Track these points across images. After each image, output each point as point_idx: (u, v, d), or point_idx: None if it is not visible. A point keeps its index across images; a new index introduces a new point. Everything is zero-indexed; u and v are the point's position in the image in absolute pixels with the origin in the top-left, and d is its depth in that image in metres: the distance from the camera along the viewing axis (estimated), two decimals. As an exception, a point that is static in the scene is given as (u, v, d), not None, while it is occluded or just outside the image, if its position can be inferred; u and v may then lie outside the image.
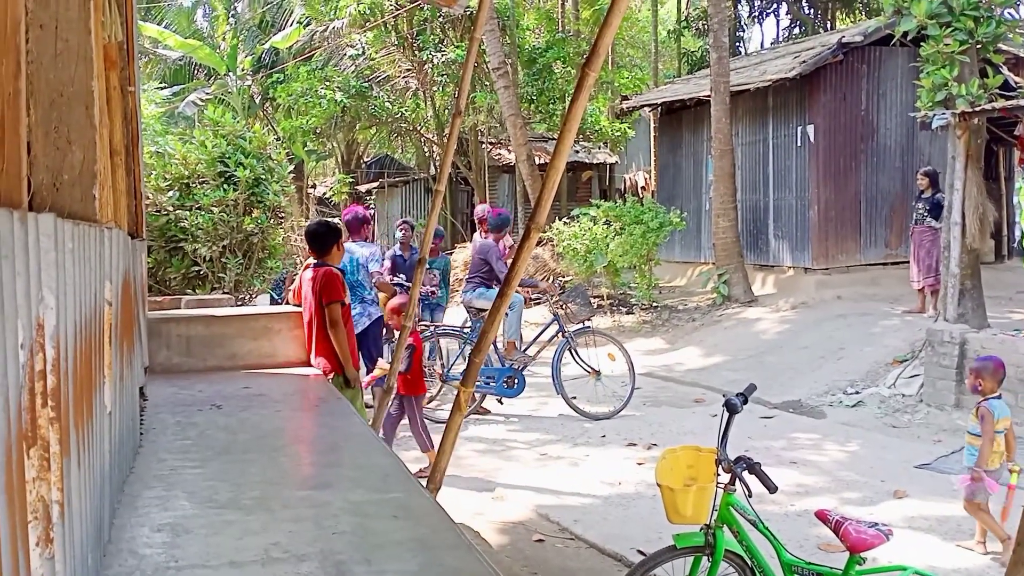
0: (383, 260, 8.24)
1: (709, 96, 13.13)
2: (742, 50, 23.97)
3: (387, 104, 19.21)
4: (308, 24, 21.32)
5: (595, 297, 13.64)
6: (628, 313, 13.27)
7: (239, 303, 8.81)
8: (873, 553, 3.73)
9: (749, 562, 3.64)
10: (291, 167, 11.78)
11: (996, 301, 10.21)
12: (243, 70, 21.82)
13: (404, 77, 20.11)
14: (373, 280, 7.81)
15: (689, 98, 15.10)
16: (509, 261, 5.70)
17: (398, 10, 18.25)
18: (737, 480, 3.55)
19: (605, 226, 13.16)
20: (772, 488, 3.46)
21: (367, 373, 7.94)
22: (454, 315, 10.96)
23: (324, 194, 25.20)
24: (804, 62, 12.53)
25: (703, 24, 22.53)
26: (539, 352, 8.57)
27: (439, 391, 8.60)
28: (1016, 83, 11.04)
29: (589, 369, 8.10)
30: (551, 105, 18.42)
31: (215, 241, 8.94)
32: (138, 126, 4.57)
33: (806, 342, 10.31)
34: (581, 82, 2.93)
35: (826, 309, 11.58)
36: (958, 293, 8.59)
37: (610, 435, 7.44)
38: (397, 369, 5.90)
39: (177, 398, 4.40)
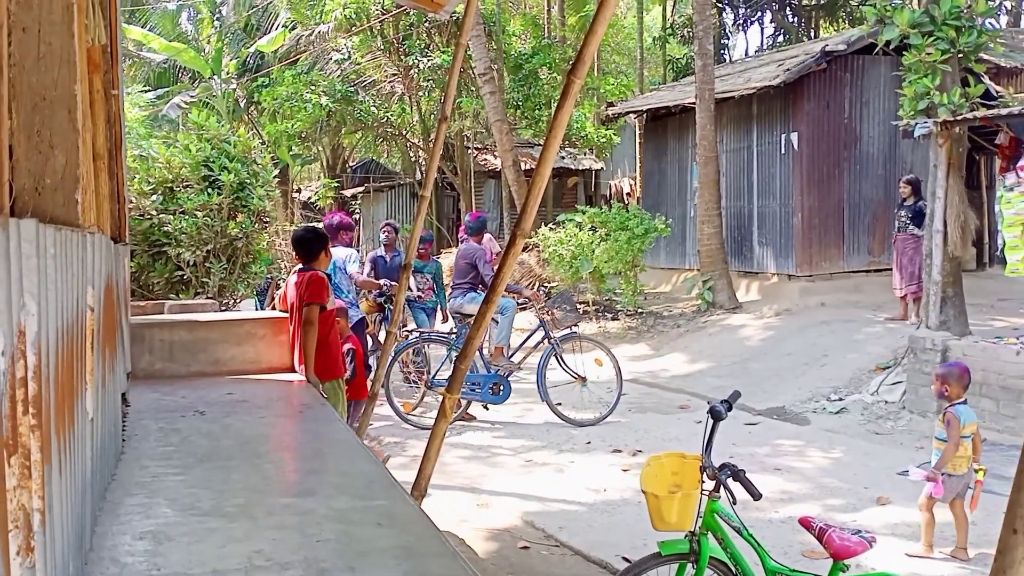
0: (363, 262, 8.25)
1: (694, 103, 13.20)
2: (727, 58, 24.11)
3: (373, 109, 19.17)
4: (293, 28, 21.30)
5: (580, 303, 13.65)
6: (613, 319, 13.29)
7: (223, 308, 8.76)
8: (857, 560, 3.75)
9: (733, 569, 3.65)
10: (276, 171, 11.72)
11: (978, 308, 10.30)
12: (228, 74, 21.75)
13: (390, 82, 20.09)
14: (353, 281, 7.84)
15: (674, 105, 15.17)
16: (495, 266, 5.70)
17: (384, 15, 18.24)
18: (722, 487, 3.55)
19: (591, 232, 13.18)
20: (756, 495, 3.47)
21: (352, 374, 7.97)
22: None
23: (309, 199, 25.14)
24: (788, 70, 12.61)
25: (688, 31, 22.64)
26: (525, 358, 8.57)
27: (422, 397, 8.58)
28: (997, 92, 11.15)
29: (575, 375, 8.10)
30: (537, 111, 18.45)
31: (199, 245, 8.88)
32: (121, 129, 4.54)
33: (790, 349, 10.36)
34: (567, 89, 2.94)
35: (810, 316, 11.65)
36: (940, 300, 8.66)
37: (595, 441, 7.44)
38: (383, 374, 5.89)
39: (160, 404, 4.37)
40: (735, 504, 3.54)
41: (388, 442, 7.67)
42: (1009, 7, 21.03)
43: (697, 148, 13.23)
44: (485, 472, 6.75)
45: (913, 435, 7.61)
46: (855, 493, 5.98)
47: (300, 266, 5.45)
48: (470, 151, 21.10)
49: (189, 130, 11.91)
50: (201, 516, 2.60)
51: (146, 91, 22.61)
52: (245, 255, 9.35)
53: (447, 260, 12.89)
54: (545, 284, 13.61)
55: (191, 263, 8.91)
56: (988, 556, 4.67)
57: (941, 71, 8.70)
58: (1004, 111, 8.34)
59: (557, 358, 8.09)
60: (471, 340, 3.44)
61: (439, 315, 9.79)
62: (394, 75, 19.69)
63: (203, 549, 2.32)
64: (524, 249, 13.42)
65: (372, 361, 8.10)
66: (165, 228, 8.84)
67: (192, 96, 21.95)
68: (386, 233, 10.04)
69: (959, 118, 8.43)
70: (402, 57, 18.75)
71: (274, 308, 7.65)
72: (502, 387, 8.03)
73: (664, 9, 25.26)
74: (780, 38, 24.55)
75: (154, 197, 8.99)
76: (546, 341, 8.22)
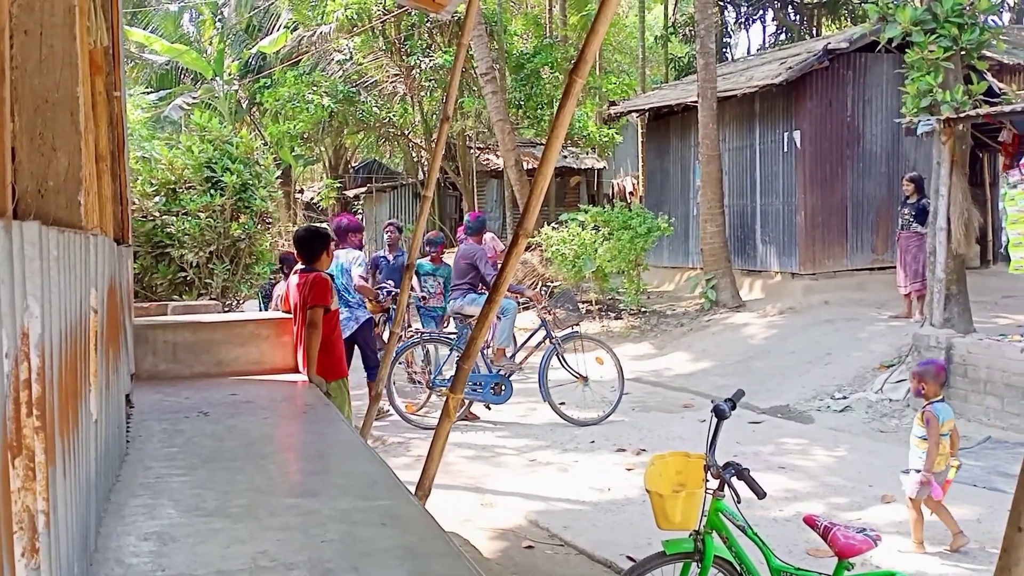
0: (367, 264, 8.26)
1: (696, 102, 13.18)
2: (729, 56, 24.10)
3: (375, 109, 19.19)
4: (295, 29, 21.32)
5: (584, 302, 13.65)
6: (616, 318, 13.29)
7: (226, 309, 8.77)
8: (861, 558, 3.74)
9: (738, 568, 3.65)
10: (278, 172, 11.74)
11: (982, 306, 10.28)
12: (230, 75, 21.77)
13: (392, 82, 20.11)
14: (355, 284, 7.82)
15: (676, 104, 15.15)
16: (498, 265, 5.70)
17: (385, 15, 18.25)
18: (726, 486, 3.55)
19: (593, 231, 13.18)
20: (761, 494, 3.47)
21: (367, 370, 8.00)
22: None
23: (312, 199, 25.17)
24: (790, 68, 12.60)
25: (690, 30, 22.63)
26: (526, 358, 8.56)
27: (427, 397, 8.58)
28: (1000, 89, 11.13)
29: (577, 375, 8.09)
30: (539, 110, 18.46)
31: (202, 247, 8.90)
32: (124, 131, 4.55)
33: (793, 347, 10.35)
34: (569, 88, 2.94)
35: (813, 314, 11.63)
36: (944, 298, 8.65)
37: (599, 441, 7.43)
38: (386, 375, 5.89)
39: (164, 405, 4.37)
40: (739, 503, 3.53)
41: (392, 442, 7.67)
42: (1012, 4, 21.00)
43: (700, 147, 13.22)
44: (489, 472, 6.75)
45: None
46: (860, 491, 5.97)
47: (301, 266, 5.45)
48: (472, 151, 21.11)
49: (191, 131, 11.94)
50: (205, 517, 2.60)
51: (148, 93, 22.66)
52: (248, 256, 9.37)
53: (448, 260, 12.89)
54: (548, 283, 13.61)
55: (194, 264, 8.93)
56: (993, 554, 4.66)
57: (944, 68, 8.69)
58: (1007, 108, 8.32)
59: (559, 358, 8.07)
60: (474, 340, 3.44)
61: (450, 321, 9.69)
62: (396, 75, 19.70)
63: (207, 550, 2.32)
64: (527, 249, 13.42)
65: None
66: (168, 229, 8.86)
67: (194, 97, 21.98)
68: (389, 233, 10.04)
69: (962, 115, 8.41)
70: (404, 57, 18.76)
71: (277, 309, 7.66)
72: (504, 387, 8.02)
73: (666, 8, 25.24)
74: (782, 36, 24.53)
75: (157, 198, 9.02)
76: (548, 341, 8.21)
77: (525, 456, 7.15)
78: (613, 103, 18.80)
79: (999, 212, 9.10)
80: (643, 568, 3.64)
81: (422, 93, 19.33)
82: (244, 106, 22.79)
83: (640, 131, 18.88)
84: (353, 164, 27.57)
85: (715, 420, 3.70)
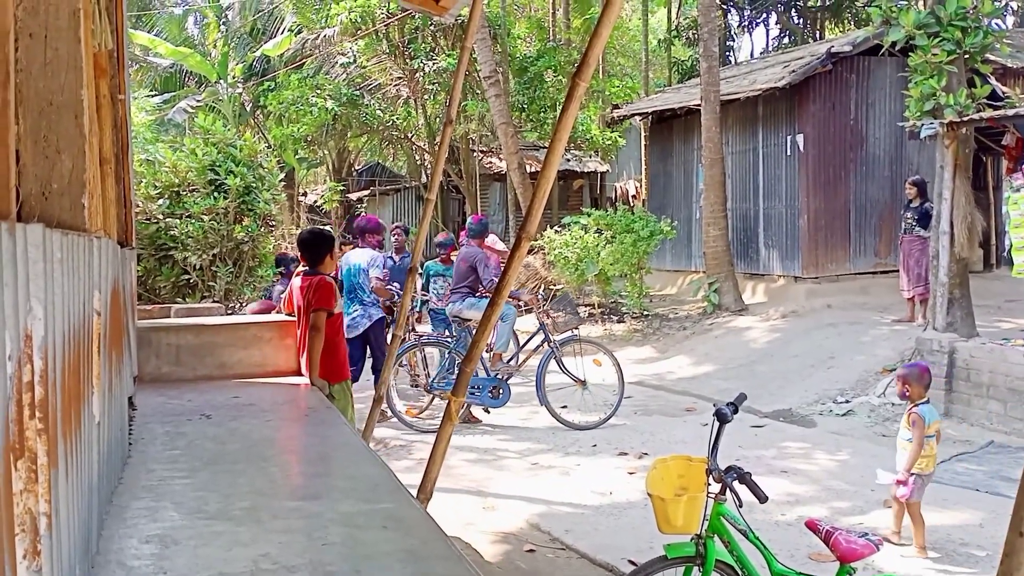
0: (383, 266, 8.35)
1: (699, 105, 13.19)
2: (732, 59, 24.09)
3: (378, 112, 19.21)
4: (299, 32, 21.33)
5: (586, 306, 13.65)
6: (619, 322, 13.28)
7: (229, 312, 8.78)
8: (864, 563, 3.73)
9: (740, 572, 3.64)
10: (282, 175, 11.75)
11: (985, 310, 10.26)
12: (234, 78, 21.80)
13: (395, 85, 20.13)
14: (372, 285, 7.95)
15: (679, 107, 15.16)
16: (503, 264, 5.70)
17: (389, 18, 18.28)
18: (728, 490, 3.54)
19: (596, 235, 13.17)
20: (762, 498, 3.46)
21: (373, 371, 8.05)
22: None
23: (315, 202, 25.15)
24: (793, 71, 12.60)
25: (693, 33, 22.65)
26: (525, 361, 8.55)
27: (431, 401, 8.55)
28: (1004, 93, 11.12)
29: (575, 379, 8.08)
30: (542, 113, 18.47)
31: (205, 249, 8.91)
32: (128, 134, 4.56)
33: (796, 351, 10.34)
34: (572, 91, 2.94)
35: (816, 318, 11.62)
36: (947, 302, 8.63)
37: (601, 444, 7.43)
38: (387, 378, 5.89)
39: (166, 408, 4.38)
40: (741, 507, 3.53)
41: (394, 445, 7.68)
42: (1015, 8, 20.96)
43: (703, 150, 13.22)
44: (491, 475, 6.75)
45: (920, 437, 7.57)
46: (862, 495, 5.96)
47: (303, 268, 5.45)
48: (475, 154, 21.12)
49: (195, 134, 11.96)
50: (207, 520, 2.61)
51: (152, 95, 22.71)
52: (251, 259, 9.39)
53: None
54: (551, 287, 13.61)
55: (197, 267, 8.94)
56: (995, 557, 4.66)
57: (947, 72, 8.68)
58: (1011, 112, 8.31)
59: (557, 362, 8.06)
60: (476, 343, 3.44)
61: None
62: (399, 78, 19.72)
63: (209, 552, 2.32)
64: (530, 252, 13.42)
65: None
66: (172, 232, 8.87)
67: (198, 100, 22.02)
68: (396, 236, 10.10)
69: (965, 119, 8.40)
70: (407, 60, 18.78)
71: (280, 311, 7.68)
72: (502, 390, 8.02)
73: (669, 11, 25.24)
74: (785, 40, 24.52)
75: (161, 201, 9.03)
76: (546, 344, 8.20)
77: (527, 459, 7.14)
78: (616, 106, 18.81)
79: (1002, 216, 9.10)
80: (645, 572, 3.64)
81: (425, 96, 19.34)
82: (248, 109, 22.82)
83: (643, 134, 18.88)
84: (356, 167, 27.58)
85: (717, 424, 3.69)
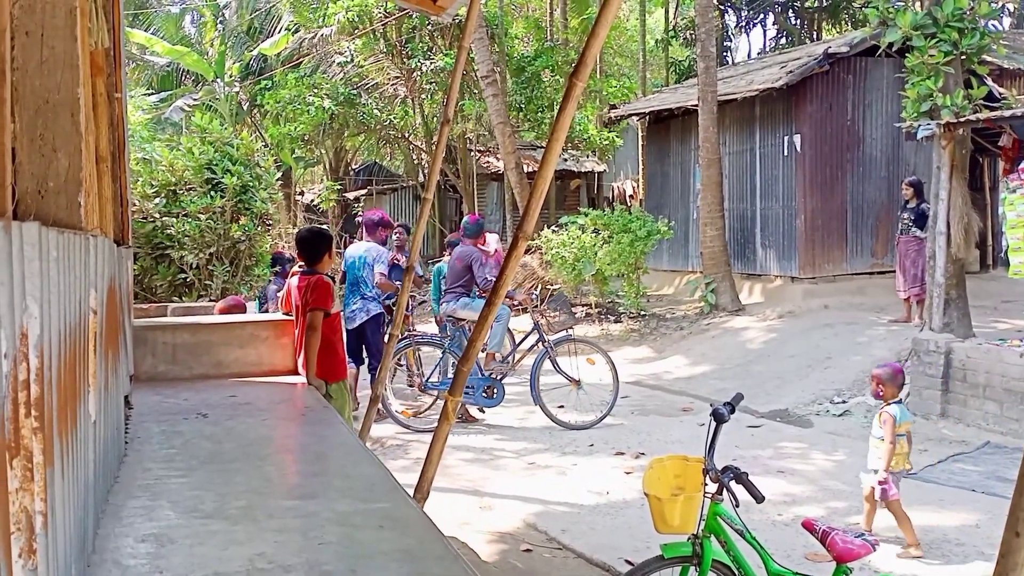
0: (388, 262, 8.44)
1: (697, 105, 13.20)
2: (729, 60, 24.11)
3: (375, 111, 19.20)
4: (296, 31, 21.32)
5: (583, 305, 13.65)
6: (616, 322, 13.29)
7: (226, 311, 8.76)
8: (860, 563, 3.74)
9: (736, 572, 3.64)
10: (279, 174, 11.74)
11: (981, 311, 10.28)
12: (231, 76, 21.77)
13: (393, 84, 20.12)
14: (376, 280, 8.01)
15: (677, 107, 15.17)
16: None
17: (387, 18, 18.27)
18: (724, 490, 3.55)
19: (593, 234, 13.18)
20: (759, 498, 3.46)
21: (369, 369, 8.08)
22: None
23: (312, 201, 25.15)
24: (791, 72, 12.61)
25: (691, 34, 22.65)
26: (520, 360, 8.55)
27: (434, 402, 8.51)
28: (1000, 94, 11.14)
29: (569, 379, 8.08)
30: (539, 113, 18.47)
31: (202, 248, 8.90)
32: (124, 132, 4.55)
33: (793, 351, 10.35)
34: (569, 92, 2.94)
35: (813, 318, 11.63)
36: (943, 303, 8.65)
37: (598, 444, 7.43)
38: (384, 377, 5.88)
39: (162, 407, 4.37)
40: (738, 507, 3.53)
41: (391, 445, 7.67)
42: (1012, 9, 21.00)
43: (700, 150, 13.23)
44: (487, 475, 6.75)
45: (916, 438, 7.56)
46: (858, 496, 5.94)
47: (301, 267, 5.44)
48: (473, 153, 21.12)
49: (192, 133, 11.95)
50: (203, 519, 2.60)
51: (149, 94, 22.66)
52: (248, 258, 9.38)
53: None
54: (548, 286, 13.61)
55: (194, 266, 8.93)
56: (991, 558, 4.67)
57: (944, 73, 8.70)
58: (1007, 113, 8.33)
59: (551, 361, 8.06)
60: (473, 343, 3.44)
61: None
62: (397, 78, 19.71)
63: (205, 552, 2.32)
64: (527, 251, 13.43)
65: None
66: (168, 231, 8.86)
67: (195, 99, 21.99)
68: (398, 235, 10.12)
69: (962, 120, 8.42)
70: (405, 60, 18.77)
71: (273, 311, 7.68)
72: (496, 390, 8.02)
73: (667, 11, 25.27)
74: (782, 40, 24.53)
75: (157, 200, 9.02)
76: (540, 344, 8.20)
77: (524, 459, 7.15)
78: (613, 106, 18.82)
79: (999, 217, 9.11)
80: (641, 572, 3.64)
81: (423, 96, 19.33)
82: (245, 108, 22.79)
83: (640, 134, 18.89)
84: (353, 166, 27.56)
85: (714, 424, 3.70)
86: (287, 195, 23.13)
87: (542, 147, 18.38)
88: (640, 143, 19.05)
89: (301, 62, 20.66)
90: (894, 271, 11.18)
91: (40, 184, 1.95)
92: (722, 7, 23.47)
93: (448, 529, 5.14)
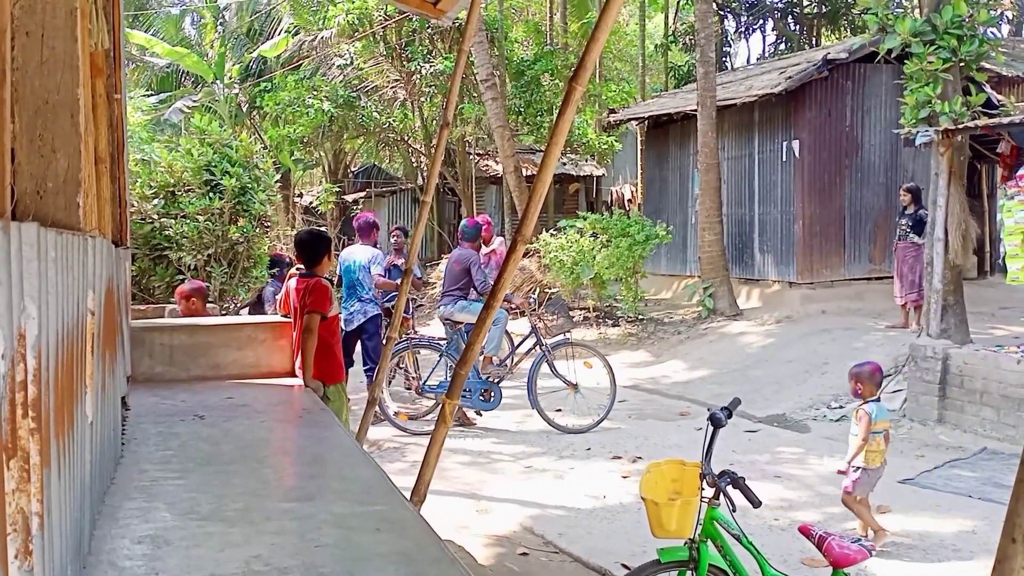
0: (384, 265, 8.53)
1: (696, 110, 13.21)
2: (728, 65, 24.13)
3: (375, 114, 19.20)
4: (296, 33, 21.32)
5: (581, 309, 13.65)
6: (614, 326, 13.29)
7: (223, 312, 8.76)
8: (856, 568, 3.74)
9: (733, 576, 3.64)
10: (278, 176, 11.75)
11: (979, 317, 10.29)
12: (230, 78, 21.78)
13: (392, 87, 20.11)
14: (373, 282, 8.06)
15: (676, 112, 15.18)
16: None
17: (387, 21, 18.28)
18: (721, 494, 3.55)
19: (592, 238, 13.18)
20: (756, 502, 3.47)
21: (367, 371, 8.11)
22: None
23: (311, 203, 25.14)
24: (790, 78, 12.63)
25: (690, 39, 22.67)
26: (517, 363, 8.55)
27: (433, 407, 8.49)
28: (999, 101, 11.16)
29: (567, 383, 8.07)
30: (539, 117, 18.48)
31: (200, 250, 8.90)
32: (124, 133, 4.55)
33: (790, 356, 10.35)
34: (568, 96, 2.94)
35: (810, 323, 11.64)
36: (941, 309, 8.65)
37: (595, 448, 7.43)
38: (382, 380, 5.88)
39: (160, 408, 4.37)
40: (735, 511, 3.53)
41: (388, 447, 7.67)
42: (1011, 16, 21.05)
43: (698, 155, 13.24)
44: (485, 478, 6.74)
45: (914, 443, 7.59)
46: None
47: (299, 269, 5.43)
48: (472, 157, 21.12)
49: (191, 134, 11.95)
50: (200, 520, 2.60)
51: (149, 95, 22.67)
52: (246, 259, 9.37)
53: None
54: (547, 290, 13.61)
55: (192, 267, 8.93)
56: (988, 564, 4.67)
57: (943, 80, 8.71)
58: (1005, 120, 8.34)
59: (549, 365, 8.06)
60: (472, 346, 3.44)
61: None
62: (396, 81, 19.71)
63: (202, 553, 2.32)
64: (525, 255, 13.43)
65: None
66: (166, 232, 8.86)
67: (194, 101, 21.99)
68: (396, 237, 10.12)
69: (960, 127, 8.43)
70: (404, 63, 18.78)
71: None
72: (493, 393, 8.02)
73: (666, 16, 25.30)
74: (782, 46, 24.56)
75: (156, 201, 9.02)
76: (537, 348, 8.20)
77: (521, 463, 7.14)
78: (613, 111, 18.83)
79: (997, 223, 9.13)
80: (638, 576, 3.64)
81: (422, 99, 19.33)
82: (244, 110, 22.79)
83: (639, 139, 18.90)
84: (352, 169, 27.55)
85: (711, 428, 3.70)
86: (286, 197, 23.11)
87: (541, 151, 18.36)
88: (639, 147, 19.06)
89: (301, 64, 20.66)
90: (892, 277, 11.19)
91: (39, 185, 1.95)
92: (722, 13, 23.51)
93: (445, 532, 5.13)
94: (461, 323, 8.14)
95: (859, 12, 20.95)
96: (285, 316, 5.63)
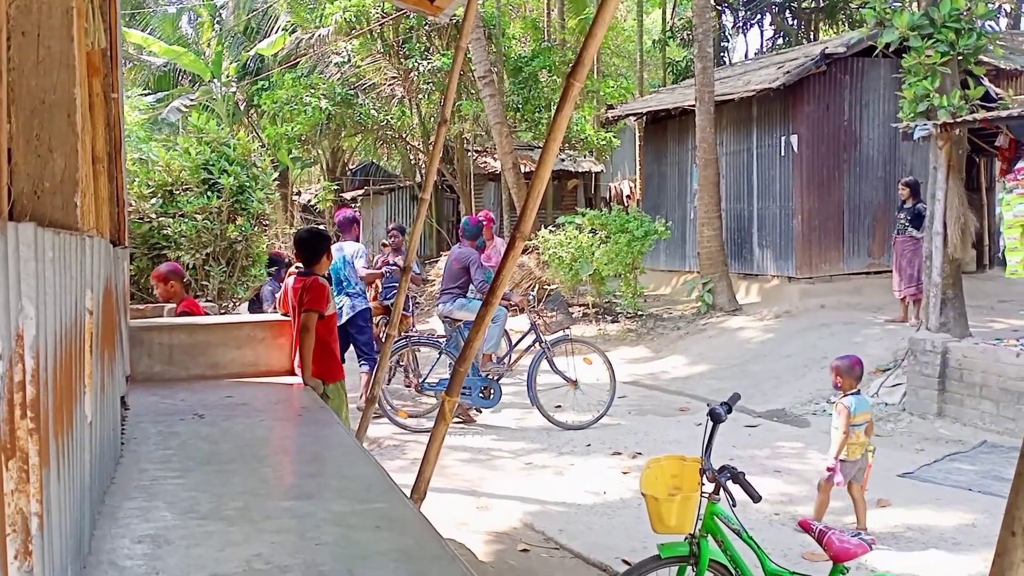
0: (367, 256, 8.70)
1: (694, 106, 13.20)
2: (726, 60, 24.12)
3: (372, 112, 19.19)
4: (293, 31, 21.30)
5: (580, 305, 13.65)
6: (613, 322, 13.29)
7: (222, 311, 8.76)
8: (856, 562, 3.74)
9: (733, 571, 3.65)
10: (276, 174, 11.73)
11: (978, 310, 10.30)
12: (228, 77, 21.75)
13: (390, 85, 20.10)
14: (360, 274, 8.15)
15: (674, 107, 15.18)
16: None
17: (384, 18, 18.26)
18: (721, 489, 3.55)
19: (590, 234, 13.18)
20: (756, 497, 3.47)
21: (361, 365, 8.14)
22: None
23: (309, 201, 25.15)
24: (788, 72, 12.62)
25: (688, 34, 22.66)
26: (517, 360, 8.54)
27: (441, 404, 8.49)
28: (997, 94, 11.16)
29: (566, 379, 8.08)
30: (537, 114, 18.47)
31: (198, 249, 8.88)
32: (121, 133, 4.54)
33: (790, 351, 10.36)
34: (566, 92, 2.94)
35: (809, 318, 11.64)
36: (940, 302, 8.66)
37: (595, 444, 7.44)
38: (382, 378, 5.87)
39: (159, 407, 4.37)
40: (735, 506, 3.54)
41: (387, 445, 7.67)
42: (1008, 9, 21.03)
43: (697, 150, 13.24)
44: (485, 475, 6.75)
45: (913, 437, 7.60)
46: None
47: (298, 267, 5.43)
48: (470, 154, 21.12)
49: (189, 133, 11.93)
50: (200, 520, 2.60)
51: (146, 94, 22.64)
52: (244, 258, 9.36)
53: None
54: (545, 286, 13.61)
55: (191, 266, 8.91)
56: (988, 557, 4.67)
57: (941, 73, 8.71)
58: (1004, 113, 8.34)
59: (548, 362, 8.06)
60: (471, 343, 3.44)
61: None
62: (394, 78, 19.70)
63: (202, 553, 2.32)
64: (524, 251, 13.43)
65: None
66: (165, 231, 8.84)
67: (192, 99, 21.96)
68: (394, 237, 10.13)
69: (959, 120, 8.43)
70: (402, 60, 18.76)
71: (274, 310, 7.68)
72: (492, 391, 8.02)
73: (664, 12, 25.27)
74: (780, 41, 24.55)
75: (153, 200, 9.00)
76: (537, 344, 8.20)
77: (521, 459, 7.15)
78: (611, 106, 18.82)
79: (995, 216, 9.13)
80: (638, 572, 3.64)
81: (420, 96, 19.32)
82: (242, 108, 22.77)
83: (638, 135, 18.90)
84: (350, 166, 27.56)
85: (711, 424, 3.70)
86: (284, 195, 23.10)
87: (539, 147, 18.35)
88: (637, 143, 19.05)
89: (298, 62, 20.65)
90: (891, 271, 11.20)
91: (36, 185, 1.95)
92: (719, 8, 23.48)
93: (445, 529, 5.13)
94: (460, 321, 8.14)
95: (857, 6, 20.93)
96: (284, 315, 5.63)
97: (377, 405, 7.79)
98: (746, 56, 26.01)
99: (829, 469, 5.23)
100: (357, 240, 8.71)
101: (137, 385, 4.95)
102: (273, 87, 19.22)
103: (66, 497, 1.80)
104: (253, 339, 5.44)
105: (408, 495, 3.15)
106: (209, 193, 8.98)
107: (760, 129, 13.67)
